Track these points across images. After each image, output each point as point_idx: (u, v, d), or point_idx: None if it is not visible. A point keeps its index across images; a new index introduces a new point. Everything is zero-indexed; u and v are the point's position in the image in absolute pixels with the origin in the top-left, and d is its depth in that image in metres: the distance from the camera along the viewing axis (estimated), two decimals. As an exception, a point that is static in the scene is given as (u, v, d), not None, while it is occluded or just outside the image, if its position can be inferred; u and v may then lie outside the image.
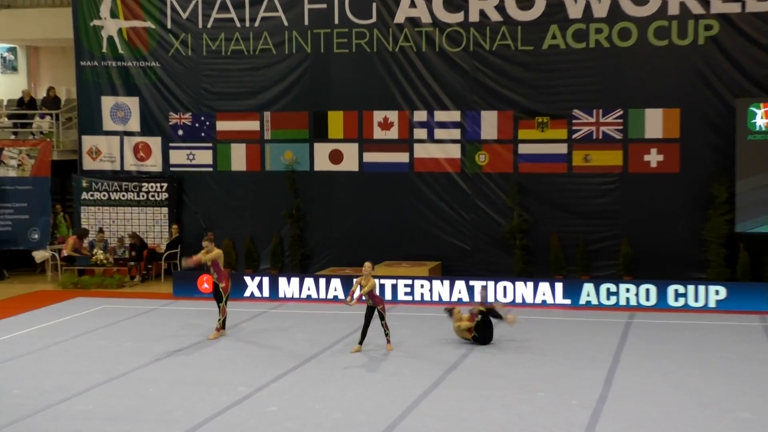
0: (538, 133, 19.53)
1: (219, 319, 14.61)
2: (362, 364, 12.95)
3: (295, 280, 18.20)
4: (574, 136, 19.37)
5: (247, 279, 18.39)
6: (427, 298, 17.62)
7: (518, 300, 17.34)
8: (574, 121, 19.34)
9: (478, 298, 14.83)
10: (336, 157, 20.64)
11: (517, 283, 17.44)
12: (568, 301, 17.21)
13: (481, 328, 13.99)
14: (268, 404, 11.04)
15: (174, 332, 15.25)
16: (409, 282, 17.70)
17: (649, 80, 19.05)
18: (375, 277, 14.01)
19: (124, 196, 21.65)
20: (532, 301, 17.29)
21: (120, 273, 20.58)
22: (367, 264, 13.71)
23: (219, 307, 14.63)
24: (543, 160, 19.53)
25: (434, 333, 14.89)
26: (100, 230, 21.36)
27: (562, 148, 19.45)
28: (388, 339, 13.68)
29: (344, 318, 15.85)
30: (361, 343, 13.63)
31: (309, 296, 18.08)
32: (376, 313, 13.56)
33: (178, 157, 21.51)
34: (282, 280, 18.26)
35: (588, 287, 17.15)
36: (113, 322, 16.20)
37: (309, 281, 18.13)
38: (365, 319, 13.56)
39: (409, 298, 17.67)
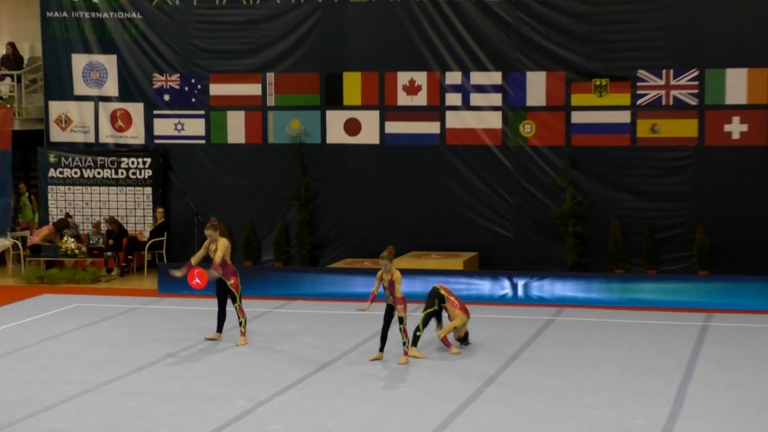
0: (595, 99, 19.48)
1: (241, 322, 14.66)
2: (384, 375, 12.98)
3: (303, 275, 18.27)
4: (638, 102, 19.31)
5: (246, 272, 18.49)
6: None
7: (577, 298, 17.34)
8: (638, 83, 19.28)
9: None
10: (352, 127, 20.65)
11: (569, 279, 17.43)
12: (630, 301, 17.29)
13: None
14: (272, 422, 11.07)
15: (159, 336, 15.32)
16: (440, 277, 17.72)
17: (730, 34, 18.94)
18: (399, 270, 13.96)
19: (99, 173, 21.74)
20: (597, 299, 17.34)
21: (95, 265, 20.69)
22: (389, 249, 13.65)
23: (235, 308, 14.66)
24: (601, 130, 19.48)
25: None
26: (68, 215, 21.42)
27: (624, 117, 19.39)
28: (405, 349, 13.52)
29: (362, 320, 15.87)
30: (381, 349, 13.65)
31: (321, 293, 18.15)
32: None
33: (163, 127, 21.57)
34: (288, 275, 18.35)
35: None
36: (87, 323, 16.29)
37: (320, 276, 18.18)
38: (384, 320, 13.56)
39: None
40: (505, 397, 11.96)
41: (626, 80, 19.33)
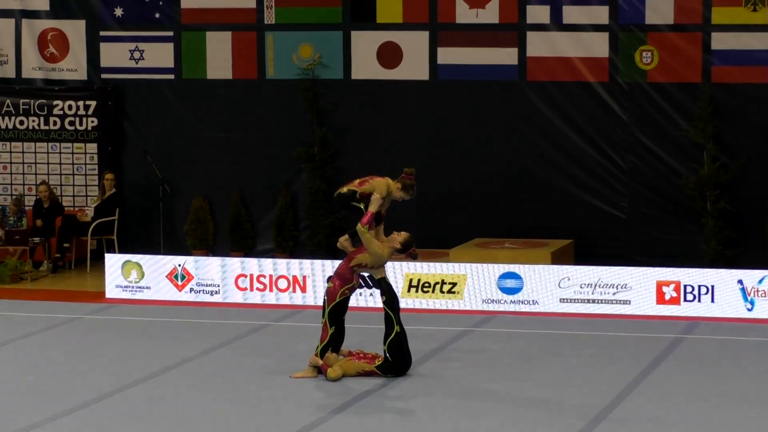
0: (746, 14, 19.40)
1: (318, 347, 14.59)
2: (450, 417, 12.99)
3: (318, 266, 18.33)
4: (812, 19, 19.29)
5: (236, 266, 18.60)
6: (547, 304, 17.71)
7: (713, 308, 17.33)
8: (812, -10, 19.24)
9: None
10: (390, 55, 20.68)
11: (710, 277, 17.42)
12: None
13: (394, 344, 14.41)
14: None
15: (109, 360, 15.38)
16: (517, 275, 17.77)
17: None
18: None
19: (21, 122, 21.82)
20: (742, 311, 17.32)
21: (17, 257, 20.78)
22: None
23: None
24: (755, 60, 19.43)
25: (577, 366, 14.90)
26: (17, 200, 21.30)
27: (790, 40, 19.35)
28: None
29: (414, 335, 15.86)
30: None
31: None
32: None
33: (114, 55, 21.66)
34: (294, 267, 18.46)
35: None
36: (4, 341, 16.36)
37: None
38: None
39: (518, 304, 17.74)
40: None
41: (794, -14, 19.31)
